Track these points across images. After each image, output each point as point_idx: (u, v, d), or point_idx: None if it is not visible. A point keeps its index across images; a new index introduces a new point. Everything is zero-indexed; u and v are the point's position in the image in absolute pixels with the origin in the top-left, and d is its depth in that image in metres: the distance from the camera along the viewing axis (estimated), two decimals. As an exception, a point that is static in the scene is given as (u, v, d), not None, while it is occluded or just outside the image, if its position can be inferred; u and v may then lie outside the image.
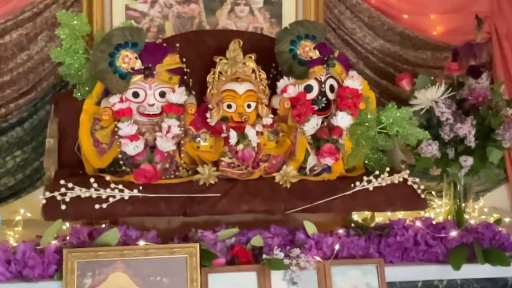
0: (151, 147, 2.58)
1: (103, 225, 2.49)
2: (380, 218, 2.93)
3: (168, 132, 2.57)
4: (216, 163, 2.60)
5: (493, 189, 3.40)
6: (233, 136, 2.59)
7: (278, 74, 2.79)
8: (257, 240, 2.46)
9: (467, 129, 2.76)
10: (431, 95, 2.84)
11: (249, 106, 2.67)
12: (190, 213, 2.50)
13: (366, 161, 2.85)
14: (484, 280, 2.63)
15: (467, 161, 2.81)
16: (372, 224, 2.80)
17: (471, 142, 2.78)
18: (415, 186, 2.67)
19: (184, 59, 2.73)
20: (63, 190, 2.40)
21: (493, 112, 2.83)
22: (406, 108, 2.79)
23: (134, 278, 2.28)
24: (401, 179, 2.65)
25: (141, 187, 2.45)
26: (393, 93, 3.25)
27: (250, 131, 2.61)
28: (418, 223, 2.63)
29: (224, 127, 2.61)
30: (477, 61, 2.95)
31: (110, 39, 2.60)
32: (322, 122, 2.69)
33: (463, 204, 2.93)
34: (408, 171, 2.69)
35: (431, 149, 2.78)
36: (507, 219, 3.10)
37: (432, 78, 2.93)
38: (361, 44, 3.30)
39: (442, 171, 2.91)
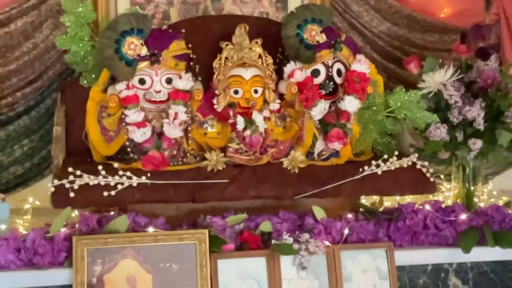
0: (159, 134, 2.58)
1: (112, 213, 2.49)
2: (388, 202, 2.92)
3: (175, 118, 2.56)
4: (223, 149, 2.59)
5: (502, 172, 3.39)
6: (240, 121, 2.58)
7: (285, 59, 2.77)
8: (266, 226, 2.46)
9: (476, 112, 2.74)
10: (439, 78, 2.81)
11: (256, 91, 2.65)
12: (198, 200, 2.50)
13: (374, 145, 2.84)
14: (494, 263, 2.62)
15: (476, 144, 2.78)
16: (381, 209, 2.80)
17: (480, 124, 2.76)
18: (424, 170, 2.66)
19: (190, 45, 2.71)
20: (71, 178, 2.40)
21: (502, 94, 2.80)
22: (414, 92, 2.76)
23: (143, 264, 2.28)
24: (410, 163, 2.64)
25: (149, 174, 2.45)
26: (401, 77, 3.23)
27: (257, 117, 2.59)
28: (428, 207, 2.63)
29: (231, 113, 2.60)
30: (485, 43, 2.92)
31: (115, 26, 2.58)
32: (330, 107, 2.69)
33: (472, 187, 2.92)
34: (416, 155, 2.68)
35: (439, 132, 2.76)
36: (516, 202, 3.09)
37: (440, 60, 2.91)
38: (368, 28, 3.28)
39: (451, 155, 2.89)
